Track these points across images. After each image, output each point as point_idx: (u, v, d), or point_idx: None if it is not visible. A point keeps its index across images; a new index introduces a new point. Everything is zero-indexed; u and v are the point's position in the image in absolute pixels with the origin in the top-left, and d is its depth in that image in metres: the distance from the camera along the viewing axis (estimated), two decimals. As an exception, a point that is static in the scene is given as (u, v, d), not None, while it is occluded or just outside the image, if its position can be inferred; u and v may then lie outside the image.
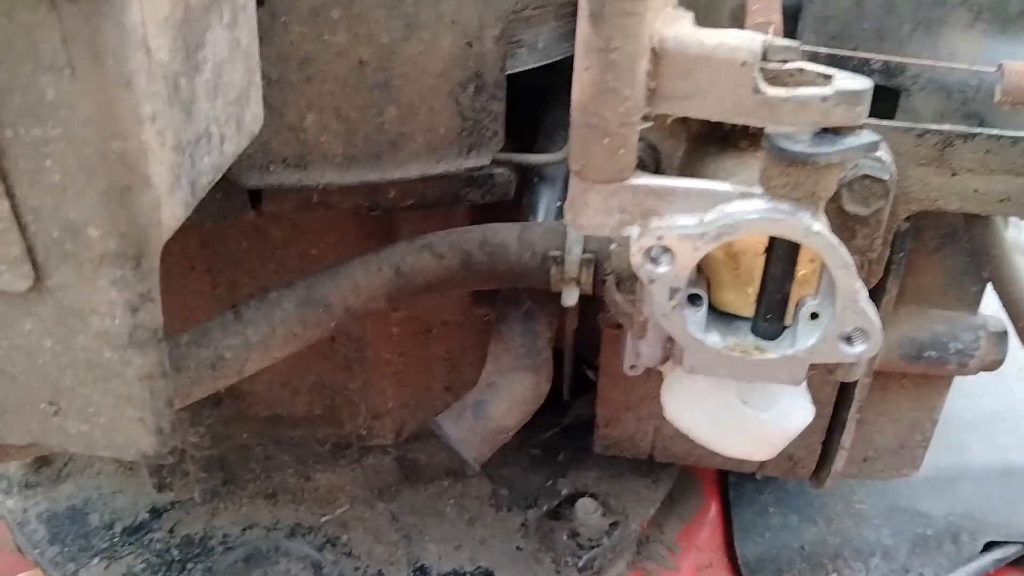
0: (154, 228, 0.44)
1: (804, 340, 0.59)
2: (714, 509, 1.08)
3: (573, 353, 0.94)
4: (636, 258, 0.58)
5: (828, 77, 0.54)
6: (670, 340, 0.63)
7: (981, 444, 1.14)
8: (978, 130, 0.67)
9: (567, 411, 1.08)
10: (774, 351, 0.60)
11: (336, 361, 0.93)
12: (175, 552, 0.95)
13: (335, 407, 0.97)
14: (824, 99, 0.53)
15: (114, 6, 0.38)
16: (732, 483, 1.10)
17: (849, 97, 0.53)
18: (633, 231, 0.58)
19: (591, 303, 0.82)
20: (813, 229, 0.54)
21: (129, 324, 0.46)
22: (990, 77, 0.66)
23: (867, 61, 0.72)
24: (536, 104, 0.81)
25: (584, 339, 0.93)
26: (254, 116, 0.55)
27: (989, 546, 1.06)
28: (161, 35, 0.42)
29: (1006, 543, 1.06)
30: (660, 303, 0.58)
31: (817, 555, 1.05)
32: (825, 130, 0.54)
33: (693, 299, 0.60)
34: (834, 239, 0.55)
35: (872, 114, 0.72)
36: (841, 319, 0.58)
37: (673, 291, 0.58)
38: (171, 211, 0.45)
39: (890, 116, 0.74)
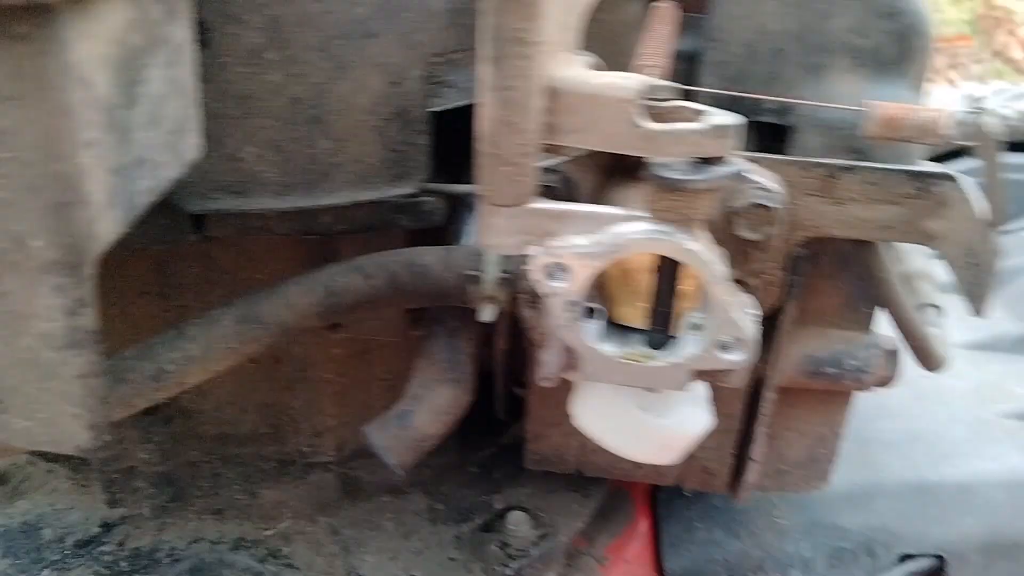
0: (91, 240, 0.50)
1: (687, 349, 0.66)
2: (644, 525, 1.13)
3: (504, 374, 1.00)
4: (536, 274, 0.64)
5: (702, 113, 0.61)
6: (571, 350, 0.69)
7: (898, 462, 1.21)
8: (858, 164, 0.74)
9: (505, 432, 1.13)
10: (661, 359, 0.67)
11: (280, 381, 0.99)
12: (123, 564, 0.99)
13: (280, 426, 1.02)
14: (696, 132, 0.60)
15: (56, 46, 0.44)
16: (662, 500, 1.16)
17: (719, 131, 0.60)
18: (534, 250, 0.64)
19: (520, 326, 0.88)
20: (687, 247, 0.61)
21: (67, 327, 0.52)
22: (862, 116, 0.74)
23: (760, 101, 0.79)
24: (467, 140, 0.88)
25: (515, 361, 0.99)
26: (192, 144, 0.61)
27: (904, 559, 1.13)
28: (100, 72, 0.48)
29: (920, 556, 1.13)
30: (557, 315, 0.65)
31: (740, 568, 1.11)
32: (700, 160, 0.61)
33: (591, 312, 0.67)
34: (707, 256, 0.62)
35: (767, 150, 0.80)
36: (718, 329, 0.64)
37: (570, 304, 0.65)
38: (107, 226, 0.51)
39: (783, 151, 0.82)
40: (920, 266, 1.07)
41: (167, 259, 0.91)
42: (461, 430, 1.06)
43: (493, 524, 1.02)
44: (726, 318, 0.64)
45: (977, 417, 1.27)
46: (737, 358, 0.65)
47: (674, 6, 0.82)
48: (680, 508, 1.15)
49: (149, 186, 0.56)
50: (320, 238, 0.88)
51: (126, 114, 0.52)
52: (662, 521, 1.13)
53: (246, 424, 1.02)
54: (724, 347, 0.65)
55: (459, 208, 0.87)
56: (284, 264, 0.91)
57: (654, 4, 0.82)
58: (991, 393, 1.32)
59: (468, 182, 0.87)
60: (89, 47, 0.47)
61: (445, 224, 0.85)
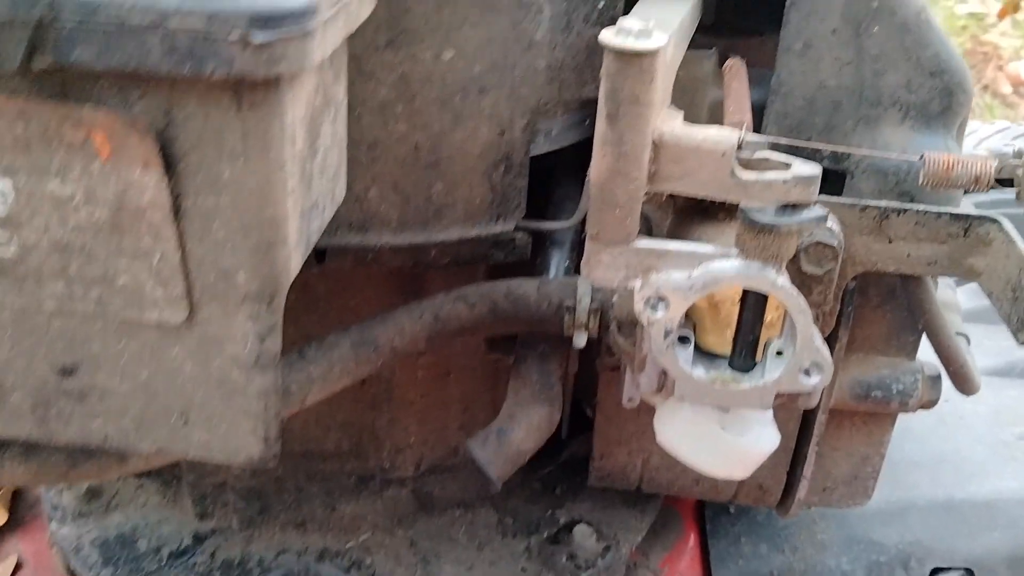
0: (285, 274, 0.58)
1: (771, 373, 0.74)
2: (693, 540, 1.21)
3: (571, 395, 1.08)
4: (638, 305, 0.72)
5: (788, 165, 0.70)
6: (664, 373, 0.77)
7: (927, 482, 1.29)
8: (909, 206, 0.83)
9: (563, 450, 1.21)
10: (748, 382, 0.75)
11: (365, 402, 1.06)
12: (216, 574, 1.06)
13: (361, 443, 1.09)
14: (785, 181, 0.69)
15: (282, 110, 0.52)
16: (708, 516, 1.23)
17: (804, 180, 0.69)
18: (636, 284, 0.73)
19: (588, 351, 0.96)
20: (778, 283, 0.70)
21: (257, 350, 0.60)
22: (915, 164, 0.83)
23: (818, 149, 0.88)
24: (547, 182, 0.97)
25: (582, 383, 1.07)
26: (342, 189, 0.69)
27: (935, 572, 1.20)
28: (300, 129, 0.57)
29: (950, 568, 1.20)
30: (657, 342, 0.73)
31: (785, 580, 1.18)
32: (786, 205, 0.70)
33: (683, 339, 0.75)
34: (794, 291, 0.70)
35: (823, 191, 0.89)
36: (800, 355, 0.73)
37: (667, 332, 0.73)
38: (296, 261, 0.59)
39: (839, 194, 0.91)
40: (947, 297, 1.15)
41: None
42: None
43: (560, 537, 1.10)
44: (809, 345, 0.72)
45: (997, 439, 1.36)
46: (817, 381, 0.73)
47: (743, 62, 0.91)
48: (726, 524, 1.23)
49: (319, 226, 0.64)
50: (409, 271, 0.97)
51: (310, 165, 0.60)
52: (710, 537, 1.21)
53: (330, 441, 1.09)
54: (806, 371, 0.73)
55: (541, 242, 0.96)
56: (375, 293, 0.99)
57: (728, 63, 0.91)
58: (1009, 416, 1.41)
59: (548, 219, 0.96)
60: (296, 110, 0.55)
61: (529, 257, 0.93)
